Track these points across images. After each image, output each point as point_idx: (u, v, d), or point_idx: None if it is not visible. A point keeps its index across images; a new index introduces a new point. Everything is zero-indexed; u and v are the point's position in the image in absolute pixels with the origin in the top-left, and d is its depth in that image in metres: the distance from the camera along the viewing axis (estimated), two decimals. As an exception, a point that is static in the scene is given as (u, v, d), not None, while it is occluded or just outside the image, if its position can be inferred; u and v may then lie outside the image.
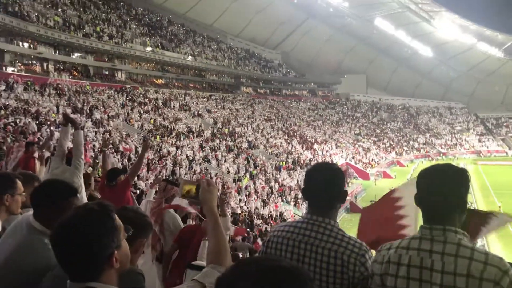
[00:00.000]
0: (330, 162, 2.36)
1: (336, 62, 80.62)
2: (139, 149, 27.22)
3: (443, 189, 1.72)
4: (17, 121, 21.20)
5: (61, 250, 1.39)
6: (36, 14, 36.98)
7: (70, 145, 4.62)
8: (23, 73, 33.05)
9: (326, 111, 68.47)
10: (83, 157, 4.30)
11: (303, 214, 2.18)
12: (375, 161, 51.77)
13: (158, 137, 32.13)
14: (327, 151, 48.51)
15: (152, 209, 3.99)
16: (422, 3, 69.26)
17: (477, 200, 34.56)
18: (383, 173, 46.08)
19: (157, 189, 5.75)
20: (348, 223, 31.36)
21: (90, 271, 1.38)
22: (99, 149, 19.12)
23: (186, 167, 28.87)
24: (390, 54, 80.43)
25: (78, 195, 2.29)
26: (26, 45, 35.77)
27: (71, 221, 1.39)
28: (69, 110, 28.86)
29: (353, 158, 49.72)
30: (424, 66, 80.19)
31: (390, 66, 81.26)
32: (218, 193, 2.06)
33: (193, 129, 37.47)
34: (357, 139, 58.48)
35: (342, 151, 50.90)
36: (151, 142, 28.77)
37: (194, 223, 4.46)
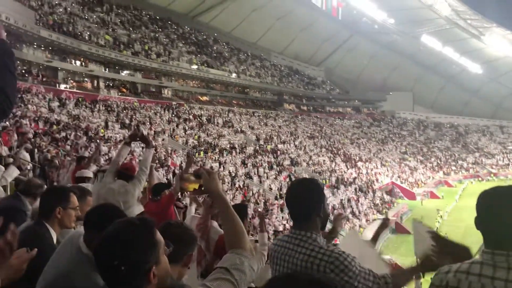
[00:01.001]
0: (308, 177, 2.46)
1: (381, 79, 79.50)
2: (184, 165, 27.67)
3: (504, 212, 1.62)
4: (68, 135, 22.05)
5: (101, 262, 1.40)
6: (88, 33, 38.67)
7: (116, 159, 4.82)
8: (75, 90, 34.52)
9: (371, 128, 67.40)
10: (148, 173, 4.66)
11: None
12: (421, 181, 50.31)
13: (201, 152, 32.58)
14: (372, 170, 47.58)
15: (198, 225, 3.99)
16: (471, 19, 67.43)
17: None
18: (430, 193, 44.69)
19: (197, 205, 5.79)
20: (393, 244, 30.56)
21: (129, 286, 1.38)
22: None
23: (228, 183, 29.05)
24: (438, 71, 78.51)
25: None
26: (78, 63, 37.42)
27: (112, 234, 1.42)
28: (117, 126, 29.85)
29: (398, 177, 48.53)
30: (473, 83, 77.70)
31: (437, 84, 79.23)
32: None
33: (236, 146, 37.73)
34: (403, 157, 57.06)
35: (388, 170, 49.77)
36: (195, 158, 29.16)
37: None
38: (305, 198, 2.15)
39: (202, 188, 1.85)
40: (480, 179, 54.80)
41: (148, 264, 1.39)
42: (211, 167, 30.09)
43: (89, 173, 6.23)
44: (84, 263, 2.07)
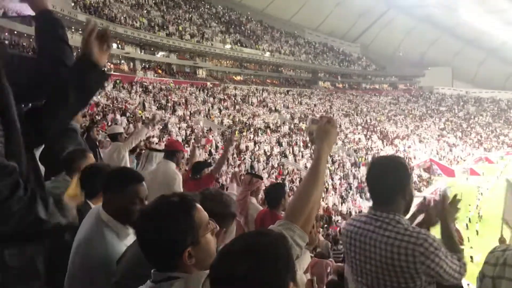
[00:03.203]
0: (393, 155, 2.24)
1: (418, 54, 77.27)
2: (219, 144, 28.01)
3: None
4: (107, 117, 22.64)
5: (139, 237, 1.43)
6: (124, 16, 39.17)
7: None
8: (112, 72, 35.18)
9: (408, 105, 65.90)
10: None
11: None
12: (461, 158, 49.03)
13: (237, 132, 32.77)
14: (409, 147, 46.70)
15: (238, 200, 4.08)
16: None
17: None
18: (470, 170, 43.54)
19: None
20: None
21: (165, 263, 1.40)
22: (192, 144, 19.99)
23: (264, 161, 29.21)
24: (478, 45, 75.47)
25: (143, 182, 2.33)
26: (114, 45, 38.02)
27: (149, 211, 1.43)
28: (154, 107, 30.36)
29: (437, 154, 47.45)
30: (516, 56, 74.45)
31: (477, 57, 76.26)
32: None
33: (271, 125, 37.73)
34: (441, 134, 55.67)
35: (426, 147, 48.73)
36: (236, 137, 29.24)
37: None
38: (390, 178, 1.98)
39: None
40: (523, 155, 52.84)
41: (182, 245, 1.37)
42: (247, 147, 30.31)
43: (120, 128, 6.44)
44: (102, 230, 2.17)
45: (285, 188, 4.25)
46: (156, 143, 20.15)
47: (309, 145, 36.34)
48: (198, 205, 1.46)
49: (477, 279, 1.74)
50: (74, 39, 33.77)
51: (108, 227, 2.19)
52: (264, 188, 4.59)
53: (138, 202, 2.22)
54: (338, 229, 21.43)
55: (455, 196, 2.21)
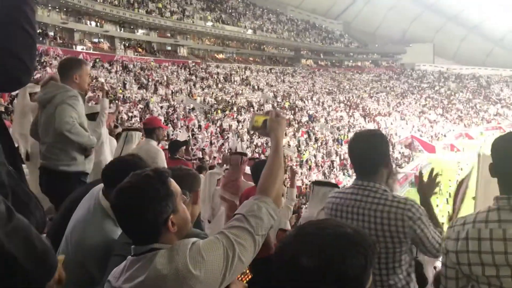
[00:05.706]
0: (372, 128, 2.28)
1: (400, 31, 77.38)
2: (202, 124, 27.86)
3: None
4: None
5: (120, 215, 1.47)
6: (102, -8, 38.24)
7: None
8: (91, 51, 34.47)
9: (390, 82, 66.26)
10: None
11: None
12: (441, 134, 49.72)
13: (219, 111, 32.60)
14: (391, 124, 47.14)
15: (228, 182, 4.02)
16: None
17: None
18: (450, 146, 44.21)
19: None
20: (413, 197, 30.55)
21: (149, 235, 1.44)
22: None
23: (247, 140, 29.19)
24: (459, 21, 75.81)
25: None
26: (93, 23, 37.18)
27: (127, 187, 1.45)
28: (135, 86, 29.96)
29: (418, 130, 48.02)
30: (496, 32, 74.97)
31: (459, 34, 76.71)
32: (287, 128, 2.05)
33: (254, 103, 37.60)
34: (423, 111, 56.27)
35: (407, 124, 49.25)
36: (213, 116, 29.05)
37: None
38: (373, 150, 2.08)
39: (266, 129, 1.88)
40: (502, 130, 53.76)
41: (165, 213, 1.43)
42: (230, 125, 30.22)
43: (97, 107, 6.09)
44: (98, 214, 2.19)
45: None
46: (137, 123, 19.96)
47: (292, 123, 36.43)
48: (170, 178, 1.52)
49: (442, 254, 1.78)
50: (51, 17, 33.13)
51: (106, 214, 2.20)
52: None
53: None
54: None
55: (431, 171, 2.34)
